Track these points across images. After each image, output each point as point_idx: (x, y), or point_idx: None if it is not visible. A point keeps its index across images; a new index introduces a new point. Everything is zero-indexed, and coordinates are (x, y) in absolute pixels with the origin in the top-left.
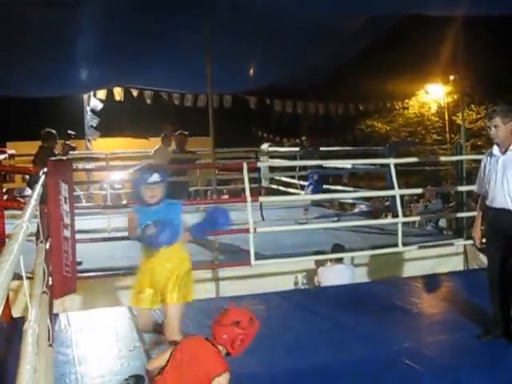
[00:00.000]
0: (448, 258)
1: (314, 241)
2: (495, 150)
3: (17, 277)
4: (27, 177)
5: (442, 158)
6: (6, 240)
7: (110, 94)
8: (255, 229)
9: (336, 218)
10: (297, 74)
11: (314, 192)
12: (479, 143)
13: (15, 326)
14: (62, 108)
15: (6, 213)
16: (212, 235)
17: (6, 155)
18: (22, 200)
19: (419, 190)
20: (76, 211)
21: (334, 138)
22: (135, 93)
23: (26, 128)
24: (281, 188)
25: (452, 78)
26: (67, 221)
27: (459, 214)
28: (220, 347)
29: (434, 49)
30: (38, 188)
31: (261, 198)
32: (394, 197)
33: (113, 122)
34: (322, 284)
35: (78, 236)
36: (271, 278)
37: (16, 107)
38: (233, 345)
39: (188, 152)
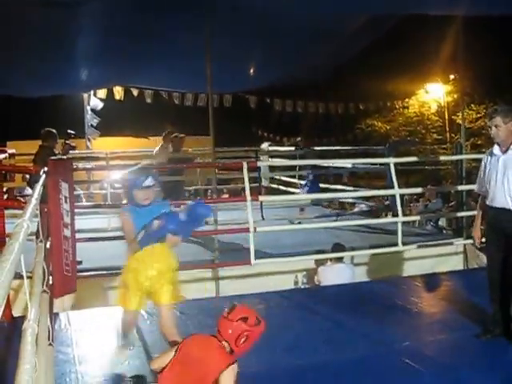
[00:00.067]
0: (448, 258)
1: (314, 240)
2: (496, 149)
3: (17, 276)
4: (27, 176)
5: (442, 158)
6: (7, 239)
7: (110, 94)
8: (255, 228)
9: (334, 218)
10: (297, 74)
11: (309, 192)
12: (479, 142)
13: (15, 326)
14: (62, 107)
15: (7, 212)
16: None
17: (7, 154)
18: (22, 199)
19: (419, 190)
20: (76, 210)
21: (334, 137)
22: (135, 92)
23: (26, 127)
24: (281, 187)
25: (452, 77)
26: (67, 220)
27: (459, 214)
28: (224, 343)
29: (434, 48)
30: (39, 187)
31: (261, 198)
32: (393, 196)
33: (113, 121)
34: (322, 283)
35: (78, 235)
36: (271, 277)
37: (16, 107)
38: (237, 341)
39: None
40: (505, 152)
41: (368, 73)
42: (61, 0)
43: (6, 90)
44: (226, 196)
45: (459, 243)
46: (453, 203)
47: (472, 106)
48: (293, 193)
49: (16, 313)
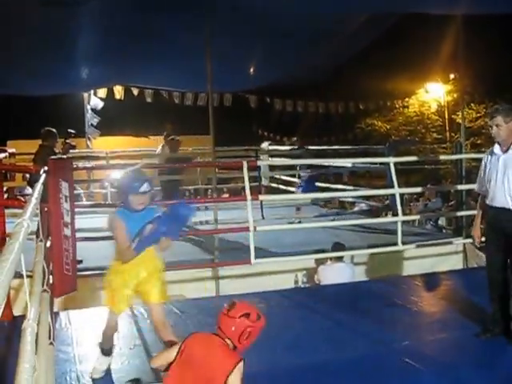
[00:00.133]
0: (447, 257)
1: (314, 239)
2: (496, 148)
3: (18, 275)
4: (28, 175)
5: (442, 157)
6: (7, 239)
7: (111, 93)
8: (255, 227)
9: (332, 217)
10: (297, 74)
11: (303, 192)
12: (479, 142)
13: (16, 325)
14: (63, 107)
15: (7, 211)
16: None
17: (7, 154)
18: (22, 199)
19: (419, 189)
20: (76, 210)
21: (334, 136)
22: (135, 91)
23: (26, 127)
24: (281, 187)
25: (452, 76)
26: (68, 219)
27: (459, 213)
28: (227, 340)
29: (434, 47)
30: (39, 187)
31: (261, 197)
32: (393, 195)
33: (113, 120)
34: (322, 282)
35: (78, 234)
36: (271, 276)
37: (16, 106)
38: (240, 338)
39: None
40: (505, 151)
41: (368, 72)
42: None
43: (7, 90)
44: (226, 195)
45: (459, 242)
46: (452, 202)
47: (472, 105)
48: (293, 192)
49: (16, 312)
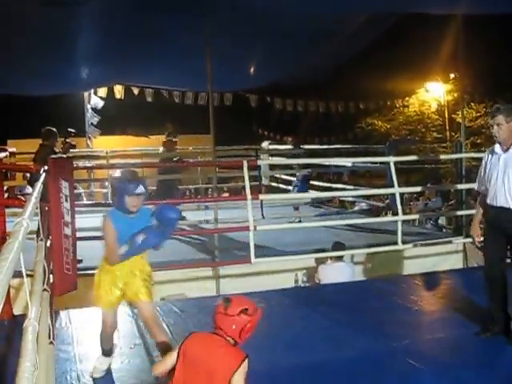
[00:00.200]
0: (447, 256)
1: (315, 239)
2: (497, 147)
3: (18, 275)
4: (28, 175)
5: (442, 156)
6: (7, 238)
7: (111, 92)
8: (255, 227)
9: (332, 217)
10: (297, 74)
11: (299, 191)
12: (479, 141)
13: (16, 324)
14: (63, 106)
15: (7, 211)
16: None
17: (7, 153)
18: (22, 198)
19: (419, 188)
20: (77, 209)
21: (334, 136)
22: (136, 91)
23: (26, 126)
24: (281, 186)
25: (452, 76)
26: (68, 219)
27: (459, 212)
28: (228, 338)
29: (434, 47)
30: (39, 186)
31: (261, 196)
32: (393, 195)
33: (113, 119)
34: (322, 282)
35: (78, 234)
36: (271, 275)
37: (17, 105)
38: (241, 334)
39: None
40: (506, 151)
41: (368, 72)
42: None
43: (7, 90)
44: (227, 194)
45: (459, 242)
46: (452, 202)
47: (472, 104)
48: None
49: (17, 311)
